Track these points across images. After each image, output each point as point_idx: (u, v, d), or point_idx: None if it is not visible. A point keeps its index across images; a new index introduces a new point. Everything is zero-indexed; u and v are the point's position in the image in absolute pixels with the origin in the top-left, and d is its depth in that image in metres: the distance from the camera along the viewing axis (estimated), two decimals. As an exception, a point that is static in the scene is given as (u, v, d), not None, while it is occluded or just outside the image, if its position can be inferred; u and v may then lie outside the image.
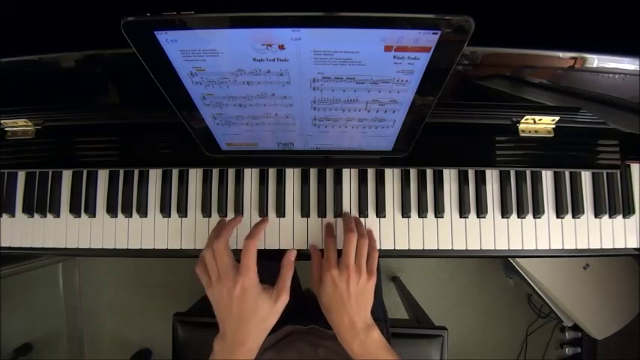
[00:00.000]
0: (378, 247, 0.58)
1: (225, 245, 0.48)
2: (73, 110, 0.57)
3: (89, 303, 1.42)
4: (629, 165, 0.61)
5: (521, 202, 0.59)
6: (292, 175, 0.60)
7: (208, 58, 0.34)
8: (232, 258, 0.48)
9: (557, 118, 0.55)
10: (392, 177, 0.60)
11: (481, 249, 0.59)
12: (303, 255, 0.59)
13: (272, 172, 0.61)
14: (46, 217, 0.62)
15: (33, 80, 0.48)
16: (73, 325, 1.40)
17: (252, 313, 0.46)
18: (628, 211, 0.60)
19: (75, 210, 0.61)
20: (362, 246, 0.51)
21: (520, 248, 0.59)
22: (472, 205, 0.60)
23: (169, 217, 0.60)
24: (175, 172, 0.61)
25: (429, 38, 0.32)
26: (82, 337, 1.42)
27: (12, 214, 0.62)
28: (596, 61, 0.42)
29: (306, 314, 0.74)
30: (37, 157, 0.59)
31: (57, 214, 0.62)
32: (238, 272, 0.46)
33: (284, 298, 0.48)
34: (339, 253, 0.52)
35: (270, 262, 0.54)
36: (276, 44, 0.33)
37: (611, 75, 0.43)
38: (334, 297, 0.48)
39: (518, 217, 0.59)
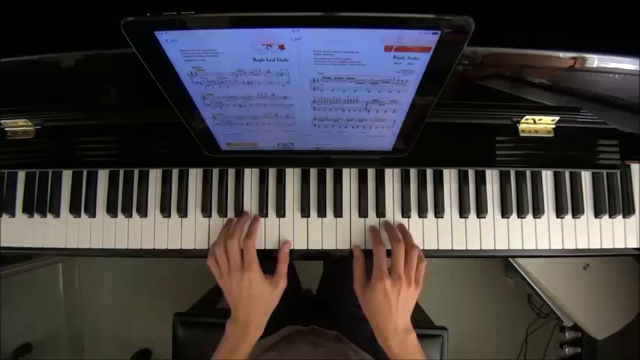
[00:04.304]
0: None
1: (237, 244, 0.54)
2: (73, 110, 0.57)
3: (89, 303, 1.42)
4: (629, 165, 0.61)
5: (521, 202, 0.59)
6: (292, 175, 0.60)
7: (208, 58, 0.34)
8: (241, 255, 0.54)
9: (557, 118, 0.55)
10: (392, 177, 0.60)
11: (481, 249, 0.59)
12: (303, 255, 0.59)
13: (272, 172, 0.60)
14: (46, 217, 0.62)
15: (33, 80, 0.48)
16: (73, 325, 1.40)
17: (259, 298, 0.54)
18: (628, 211, 0.60)
19: (75, 210, 0.61)
20: (412, 257, 0.53)
21: (520, 248, 0.59)
22: (472, 205, 0.60)
23: (169, 217, 0.60)
24: (175, 172, 0.61)
25: (429, 38, 0.32)
26: (82, 337, 1.41)
27: (12, 214, 0.62)
28: (596, 61, 0.42)
29: (306, 314, 0.74)
30: (37, 157, 0.59)
31: (57, 214, 0.62)
32: (244, 267, 0.53)
33: (282, 284, 0.56)
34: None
35: (270, 262, 0.57)
36: (276, 44, 0.33)
37: (611, 75, 0.43)
38: (383, 304, 0.51)
39: (518, 217, 0.59)
